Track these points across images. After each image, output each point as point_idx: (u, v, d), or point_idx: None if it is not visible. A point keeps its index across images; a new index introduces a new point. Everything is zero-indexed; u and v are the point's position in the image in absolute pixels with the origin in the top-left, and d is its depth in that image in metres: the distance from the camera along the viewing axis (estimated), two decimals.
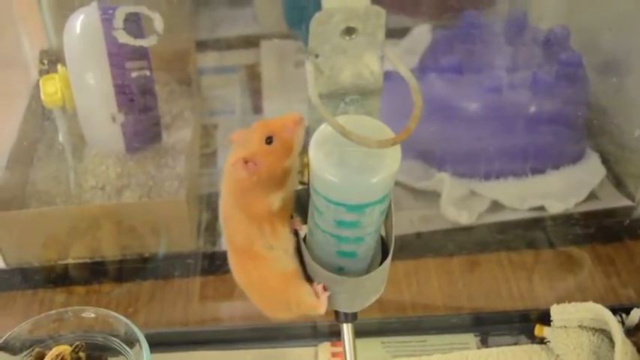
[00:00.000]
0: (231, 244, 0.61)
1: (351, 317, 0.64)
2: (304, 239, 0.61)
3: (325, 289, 0.60)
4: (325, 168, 0.52)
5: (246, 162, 0.55)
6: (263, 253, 0.59)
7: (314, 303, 0.61)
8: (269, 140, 0.56)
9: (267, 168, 0.56)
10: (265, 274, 0.60)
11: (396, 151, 0.53)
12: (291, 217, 0.60)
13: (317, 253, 0.60)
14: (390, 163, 0.53)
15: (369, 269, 0.61)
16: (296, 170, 0.58)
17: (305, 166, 0.57)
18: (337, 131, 0.51)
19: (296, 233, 0.60)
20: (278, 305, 0.63)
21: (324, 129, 0.54)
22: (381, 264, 0.61)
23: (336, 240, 0.57)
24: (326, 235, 0.57)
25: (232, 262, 0.62)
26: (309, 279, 0.62)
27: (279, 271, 0.60)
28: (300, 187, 0.60)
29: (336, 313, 0.64)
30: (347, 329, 0.65)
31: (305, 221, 0.60)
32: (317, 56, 0.54)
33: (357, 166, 0.52)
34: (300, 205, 0.59)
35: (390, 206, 0.59)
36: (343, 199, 0.54)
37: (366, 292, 0.62)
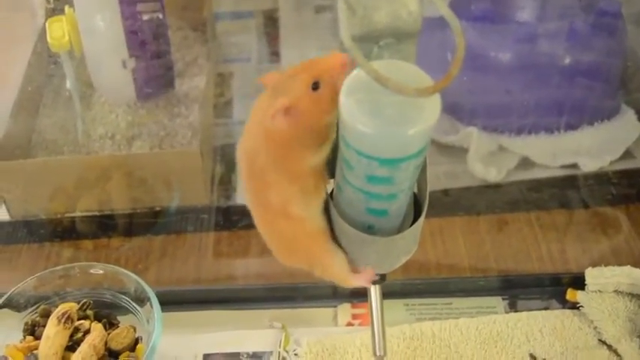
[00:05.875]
0: (259, 202, 0.55)
1: (380, 279, 0.61)
2: (331, 194, 0.56)
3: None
4: (357, 117, 0.47)
5: (287, 111, 0.49)
6: (298, 213, 0.54)
7: (344, 275, 0.57)
8: (315, 86, 0.49)
9: (311, 119, 0.50)
10: (297, 234, 0.55)
11: (435, 100, 0.48)
12: None
13: (345, 210, 0.55)
14: (429, 114, 0.48)
15: (400, 228, 0.57)
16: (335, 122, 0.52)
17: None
18: (371, 77, 0.46)
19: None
20: (303, 263, 0.58)
21: (356, 75, 0.49)
22: (413, 222, 0.57)
23: (366, 197, 0.53)
24: (356, 191, 0.53)
25: (259, 218, 0.56)
26: (335, 238, 0.57)
27: (312, 230, 0.55)
28: None
29: None
30: (375, 291, 0.62)
31: (332, 175, 0.55)
32: None
33: (393, 117, 0.48)
34: (328, 158, 0.55)
35: (425, 161, 0.54)
36: (376, 152, 0.49)
37: (397, 253, 0.58)
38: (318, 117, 0.50)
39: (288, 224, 0.55)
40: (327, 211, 0.56)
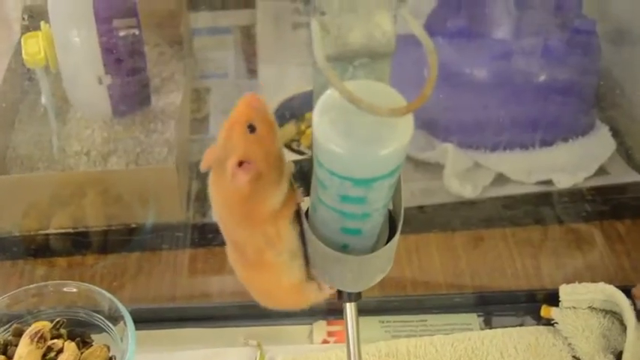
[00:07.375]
0: (239, 259, 0.57)
1: (355, 297, 0.61)
2: (306, 214, 0.56)
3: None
4: (330, 138, 0.47)
5: (240, 164, 0.50)
6: (273, 260, 0.56)
7: (319, 296, 0.60)
8: (251, 128, 0.50)
9: (264, 156, 0.51)
10: (275, 286, 0.58)
11: (408, 120, 0.48)
12: (293, 188, 0.56)
13: (320, 230, 0.55)
14: (402, 134, 0.48)
15: (375, 247, 0.57)
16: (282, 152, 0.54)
17: (302, 134, 0.52)
18: (345, 97, 0.46)
19: (298, 208, 0.56)
20: (288, 307, 0.62)
21: (329, 95, 0.49)
22: (388, 241, 0.57)
23: (340, 216, 0.53)
24: (330, 210, 0.53)
25: (241, 273, 0.58)
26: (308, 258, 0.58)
27: (288, 282, 0.58)
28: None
29: (339, 292, 0.61)
30: (350, 309, 0.62)
31: (308, 193, 0.55)
32: (323, 14, 0.49)
33: (366, 137, 0.48)
34: (303, 177, 0.55)
35: (399, 180, 0.54)
36: (349, 172, 0.49)
37: (372, 271, 0.58)
38: (269, 150, 0.51)
39: (266, 276, 0.57)
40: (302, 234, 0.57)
